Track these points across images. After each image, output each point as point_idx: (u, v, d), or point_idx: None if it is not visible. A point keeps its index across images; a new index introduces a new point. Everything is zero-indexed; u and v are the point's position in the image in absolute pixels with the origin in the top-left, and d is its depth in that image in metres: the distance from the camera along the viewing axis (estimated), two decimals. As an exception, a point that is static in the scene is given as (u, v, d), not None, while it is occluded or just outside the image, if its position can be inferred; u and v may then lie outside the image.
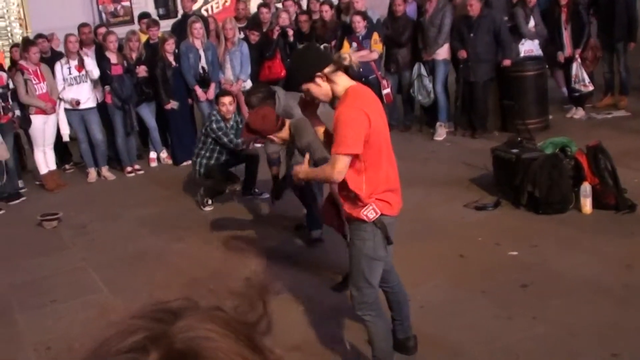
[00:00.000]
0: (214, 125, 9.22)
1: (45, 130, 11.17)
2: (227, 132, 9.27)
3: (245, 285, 0.95)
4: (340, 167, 4.44)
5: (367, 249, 4.71)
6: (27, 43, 11.49)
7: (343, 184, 4.62)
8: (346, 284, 6.43)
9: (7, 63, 13.64)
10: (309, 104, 4.75)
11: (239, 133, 9.13)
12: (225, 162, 9.45)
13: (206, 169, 9.34)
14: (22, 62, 11.05)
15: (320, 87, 4.56)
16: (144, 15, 13.58)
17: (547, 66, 11.77)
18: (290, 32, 11.99)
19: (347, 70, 4.55)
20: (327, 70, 4.49)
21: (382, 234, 4.65)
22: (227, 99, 9.44)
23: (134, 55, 11.64)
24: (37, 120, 11.03)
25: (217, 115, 9.27)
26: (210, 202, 9.52)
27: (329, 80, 4.52)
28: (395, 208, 4.72)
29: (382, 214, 4.62)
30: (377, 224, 4.62)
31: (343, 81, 4.54)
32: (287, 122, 6.67)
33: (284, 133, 6.55)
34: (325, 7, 12.06)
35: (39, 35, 12.32)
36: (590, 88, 11.63)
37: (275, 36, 11.99)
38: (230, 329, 0.85)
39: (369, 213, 4.60)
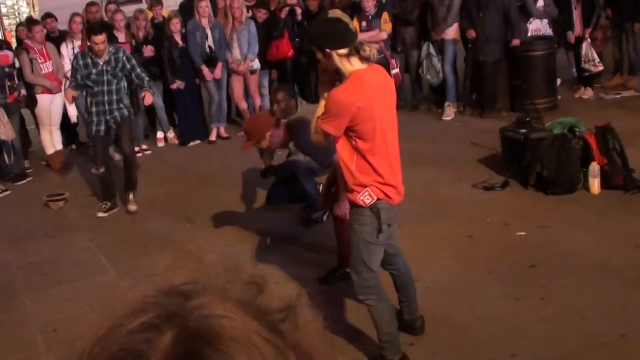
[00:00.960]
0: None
1: (51, 109, 11.15)
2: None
3: (253, 272, 0.92)
4: (317, 136, 4.66)
5: (365, 234, 4.70)
6: (30, 22, 11.47)
7: (343, 168, 4.68)
8: (331, 277, 6.45)
9: (13, 42, 13.59)
10: (326, 75, 4.73)
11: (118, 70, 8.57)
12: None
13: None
14: (28, 41, 11.02)
15: (324, 59, 4.55)
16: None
17: (556, 45, 11.70)
18: (299, 11, 11.93)
19: (363, 60, 4.52)
20: (341, 51, 4.46)
21: (377, 220, 4.63)
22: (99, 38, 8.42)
23: (141, 35, 11.59)
24: (43, 99, 11.00)
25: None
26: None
27: (339, 57, 4.48)
28: (393, 196, 4.69)
29: (378, 199, 4.60)
30: (372, 209, 4.61)
31: (355, 63, 4.50)
32: (284, 122, 6.67)
33: (281, 132, 6.55)
34: (334, -15, 11.98)
35: (47, 15, 12.26)
36: (600, 68, 11.56)
37: (283, 15, 11.92)
38: (245, 308, 0.83)
39: (365, 198, 4.61)
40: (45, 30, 11.35)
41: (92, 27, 8.72)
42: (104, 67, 8.44)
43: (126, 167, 9.08)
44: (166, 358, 0.75)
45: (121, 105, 8.68)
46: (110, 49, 8.52)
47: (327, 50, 4.49)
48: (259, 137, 6.42)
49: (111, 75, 8.47)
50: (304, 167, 7.46)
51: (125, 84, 8.75)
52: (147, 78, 8.75)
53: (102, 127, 8.64)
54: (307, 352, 0.84)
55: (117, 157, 10.25)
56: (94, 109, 8.64)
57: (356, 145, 4.52)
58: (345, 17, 4.60)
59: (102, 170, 8.92)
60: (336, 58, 4.48)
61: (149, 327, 0.78)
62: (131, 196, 9.01)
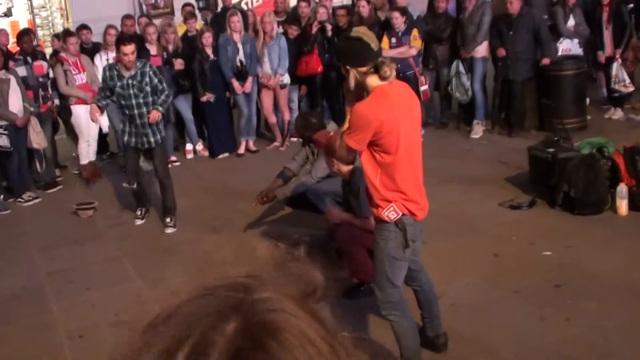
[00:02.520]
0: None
1: (89, 120, 11.25)
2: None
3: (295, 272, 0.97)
4: (341, 151, 4.72)
5: (389, 249, 4.73)
6: (66, 34, 11.60)
7: (367, 183, 4.74)
8: (355, 291, 6.45)
9: (48, 52, 13.73)
10: (351, 93, 4.78)
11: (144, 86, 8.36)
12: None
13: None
14: (62, 53, 11.14)
15: (347, 74, 4.65)
16: (187, 4, 13.61)
17: (586, 66, 11.68)
18: (329, 27, 11.98)
19: (382, 79, 4.58)
20: (361, 69, 4.55)
21: (402, 236, 4.66)
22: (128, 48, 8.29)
23: (171, 47, 11.69)
24: (78, 110, 11.11)
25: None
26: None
27: (359, 75, 4.57)
28: (417, 212, 4.72)
29: (403, 215, 4.63)
30: (398, 224, 4.63)
31: (373, 81, 4.58)
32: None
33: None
34: (363, 2, 12.00)
35: (82, 26, 12.40)
36: (631, 89, 11.52)
37: (314, 31, 11.99)
38: (302, 305, 0.87)
39: (390, 214, 4.64)
40: (79, 42, 11.47)
41: (121, 37, 8.75)
42: (130, 81, 8.29)
43: (162, 190, 8.92)
44: (230, 346, 0.79)
45: (155, 129, 8.53)
46: (138, 63, 8.38)
47: (348, 67, 4.60)
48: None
49: (137, 89, 8.30)
50: (313, 188, 7.52)
51: (156, 97, 8.52)
52: (166, 96, 8.52)
53: (134, 139, 8.58)
54: (354, 355, 0.88)
55: (149, 167, 10.32)
56: (126, 126, 8.59)
57: (380, 160, 4.56)
58: (368, 36, 4.65)
59: (134, 185, 8.90)
60: (356, 75, 4.57)
61: (215, 314, 0.82)
62: (168, 219, 8.86)
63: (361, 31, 4.73)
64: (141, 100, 8.34)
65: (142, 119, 8.38)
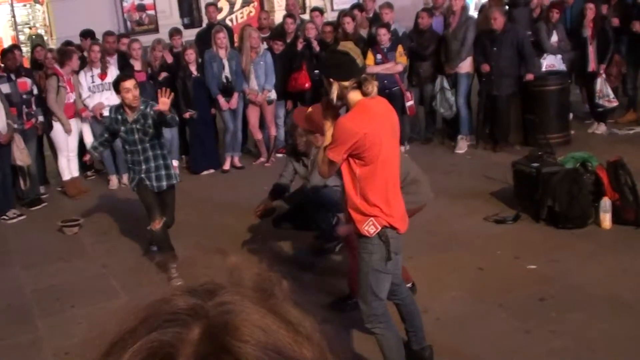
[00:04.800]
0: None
1: (68, 136, 11.25)
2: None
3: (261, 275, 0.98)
4: (324, 167, 4.73)
5: (373, 263, 4.77)
6: (67, 53, 11.44)
7: (347, 198, 4.78)
8: (342, 304, 6.46)
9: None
10: (330, 107, 4.81)
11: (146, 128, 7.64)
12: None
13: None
14: (58, 68, 11.10)
15: (329, 87, 4.70)
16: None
17: (570, 81, 11.77)
18: (315, 43, 12.00)
19: (364, 95, 4.64)
20: (344, 83, 4.60)
21: (386, 248, 4.69)
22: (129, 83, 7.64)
23: (157, 64, 11.72)
24: (58, 126, 11.10)
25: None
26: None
27: (341, 88, 4.62)
28: (398, 225, 4.75)
29: (383, 228, 4.66)
30: (381, 237, 4.67)
31: (355, 96, 4.65)
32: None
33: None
34: (348, 19, 12.07)
35: (66, 43, 12.40)
36: (615, 103, 11.61)
37: (299, 48, 12.03)
38: (261, 303, 0.89)
39: (369, 228, 4.69)
40: (78, 62, 11.44)
41: (118, 78, 7.96)
42: (134, 126, 7.62)
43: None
44: (196, 352, 0.81)
45: (167, 172, 7.89)
46: (142, 106, 7.59)
47: (331, 80, 4.65)
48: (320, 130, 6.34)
49: (142, 133, 7.63)
50: (317, 196, 7.51)
51: (162, 139, 8.01)
52: (171, 118, 7.69)
53: (144, 176, 7.79)
54: (320, 346, 0.90)
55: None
56: (134, 170, 7.86)
57: (360, 174, 4.61)
58: (354, 51, 4.70)
59: (163, 221, 7.83)
60: (337, 88, 4.63)
61: (178, 323, 0.84)
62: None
63: (348, 46, 4.78)
64: (147, 145, 7.71)
65: (149, 164, 7.76)
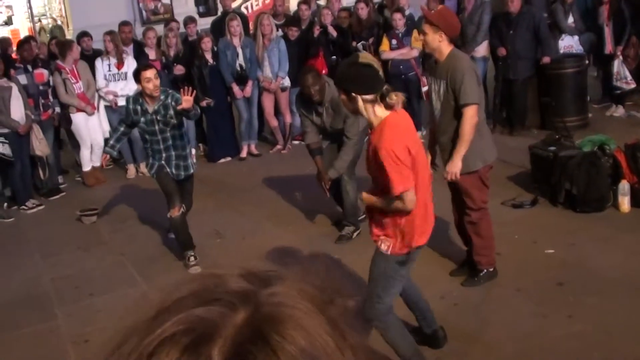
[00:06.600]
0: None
1: (89, 127, 11.29)
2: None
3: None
4: (409, 200, 4.50)
5: (387, 269, 4.79)
6: (66, 44, 11.50)
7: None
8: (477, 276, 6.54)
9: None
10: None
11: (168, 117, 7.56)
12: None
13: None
14: (60, 62, 11.13)
15: (349, 103, 4.60)
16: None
17: (587, 63, 11.68)
18: (331, 29, 11.96)
19: (387, 107, 4.55)
20: (367, 97, 4.51)
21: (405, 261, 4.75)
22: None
23: (172, 52, 11.72)
24: (78, 118, 11.16)
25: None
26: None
27: (364, 102, 4.53)
28: (420, 240, 4.76)
29: (392, 254, 4.71)
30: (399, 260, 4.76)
31: (379, 111, 4.55)
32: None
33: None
34: (361, 5, 12.03)
35: (83, 34, 12.41)
36: (633, 85, 11.50)
37: (316, 34, 11.99)
38: (315, 302, 0.87)
39: (384, 244, 4.71)
40: (79, 49, 11.50)
41: (138, 67, 7.91)
42: (154, 117, 7.54)
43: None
44: (235, 335, 0.80)
45: (185, 163, 7.84)
46: (162, 96, 7.54)
47: (354, 94, 4.53)
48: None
49: (163, 124, 7.57)
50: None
51: (184, 128, 8.02)
52: (193, 114, 7.86)
53: (164, 162, 7.75)
54: (362, 356, 0.89)
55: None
56: (154, 157, 7.79)
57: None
58: (377, 64, 4.65)
59: (182, 210, 7.72)
60: (361, 103, 4.53)
61: (226, 304, 0.83)
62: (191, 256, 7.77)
63: (369, 57, 4.73)
64: (168, 134, 7.65)
65: (169, 152, 7.71)
